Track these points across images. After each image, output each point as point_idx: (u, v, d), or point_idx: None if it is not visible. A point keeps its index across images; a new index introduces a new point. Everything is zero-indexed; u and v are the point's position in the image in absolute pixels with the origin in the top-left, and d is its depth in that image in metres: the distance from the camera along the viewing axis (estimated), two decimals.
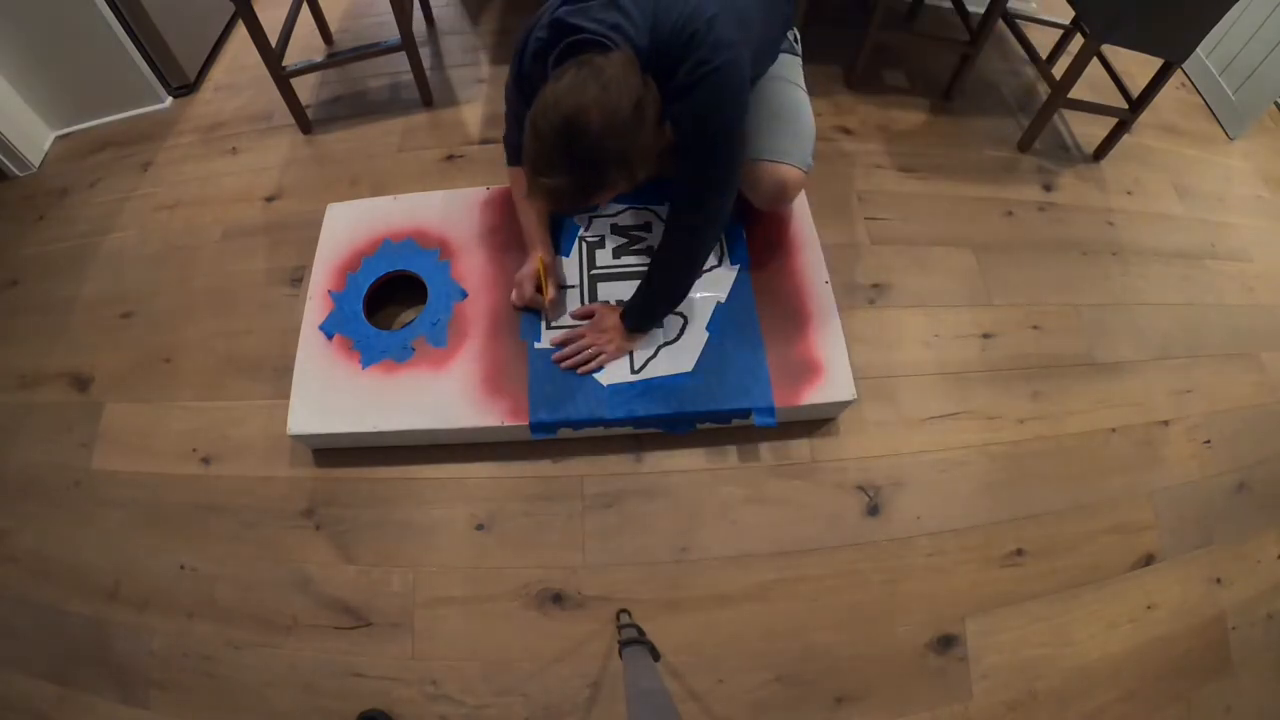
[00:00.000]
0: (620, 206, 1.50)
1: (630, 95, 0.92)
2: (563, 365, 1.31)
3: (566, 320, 1.37)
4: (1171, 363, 1.60)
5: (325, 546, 1.28)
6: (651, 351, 1.34)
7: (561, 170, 0.93)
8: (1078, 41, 1.96)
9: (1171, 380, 1.58)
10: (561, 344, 1.33)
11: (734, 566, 1.27)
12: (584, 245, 1.46)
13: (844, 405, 1.36)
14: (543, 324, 1.36)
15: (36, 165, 1.88)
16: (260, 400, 1.41)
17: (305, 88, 1.89)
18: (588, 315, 1.36)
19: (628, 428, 1.33)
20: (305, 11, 1.89)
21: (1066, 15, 2.05)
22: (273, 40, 1.66)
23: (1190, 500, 1.44)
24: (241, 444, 1.38)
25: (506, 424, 1.26)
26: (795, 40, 1.37)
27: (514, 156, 1.32)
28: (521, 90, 1.14)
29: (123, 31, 1.76)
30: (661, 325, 1.36)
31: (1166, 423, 1.52)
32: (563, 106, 0.90)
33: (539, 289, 1.34)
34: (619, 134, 0.91)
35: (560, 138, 0.91)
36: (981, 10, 1.87)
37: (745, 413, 1.30)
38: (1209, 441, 1.51)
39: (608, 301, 1.39)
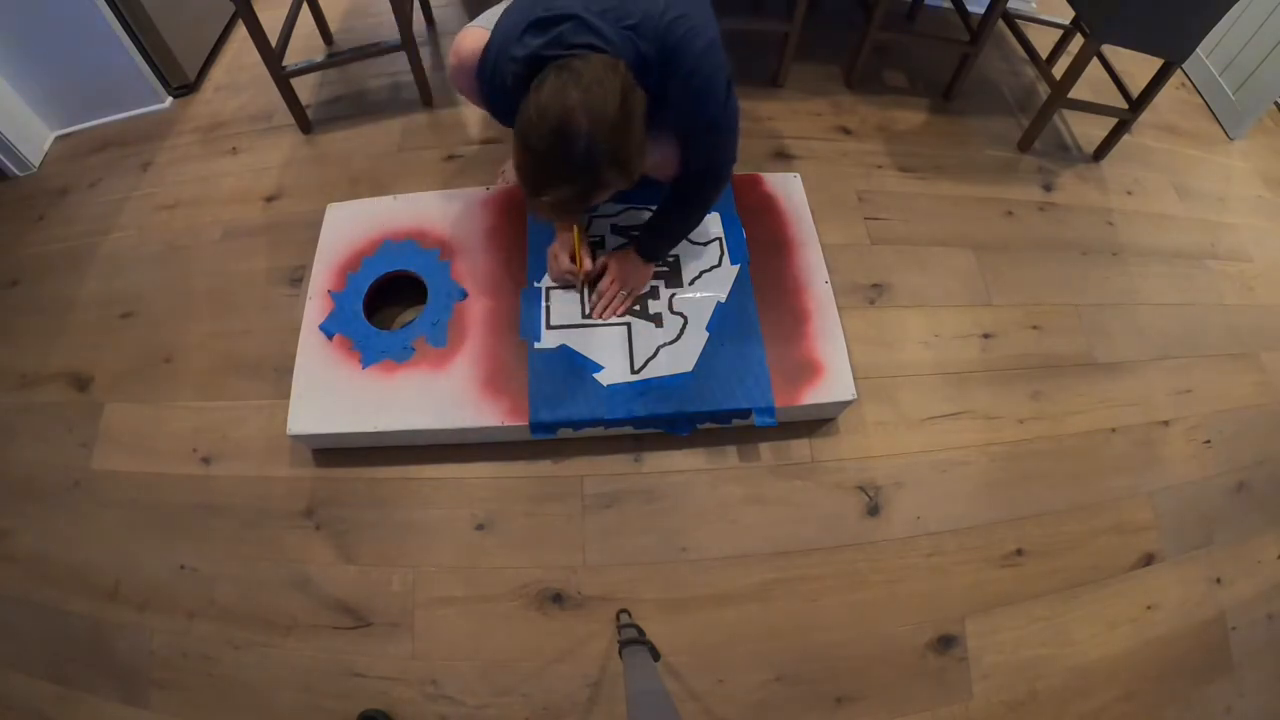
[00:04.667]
0: (620, 207, 1.50)
1: (614, 93, 0.91)
2: (599, 315, 1.35)
3: (575, 320, 1.37)
4: (1171, 363, 1.60)
5: (325, 546, 1.28)
6: (651, 351, 1.34)
7: (560, 180, 0.92)
8: (1078, 41, 1.96)
9: (1171, 380, 1.58)
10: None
11: (734, 566, 1.27)
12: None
13: (844, 405, 1.36)
14: (543, 324, 1.36)
15: (36, 165, 1.87)
16: (260, 400, 1.41)
17: (305, 88, 1.89)
18: (601, 271, 1.38)
19: (628, 428, 1.33)
20: (305, 11, 1.89)
21: (1066, 15, 2.05)
22: (273, 40, 1.66)
23: (1190, 500, 1.44)
24: (241, 444, 1.38)
25: (506, 424, 1.26)
26: None
27: None
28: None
29: (123, 31, 1.76)
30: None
31: (1166, 423, 1.52)
32: (549, 116, 0.89)
33: (572, 258, 1.34)
34: (609, 134, 0.91)
35: (553, 148, 0.90)
36: (981, 10, 1.87)
37: (745, 413, 1.30)
38: (1209, 441, 1.51)
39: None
